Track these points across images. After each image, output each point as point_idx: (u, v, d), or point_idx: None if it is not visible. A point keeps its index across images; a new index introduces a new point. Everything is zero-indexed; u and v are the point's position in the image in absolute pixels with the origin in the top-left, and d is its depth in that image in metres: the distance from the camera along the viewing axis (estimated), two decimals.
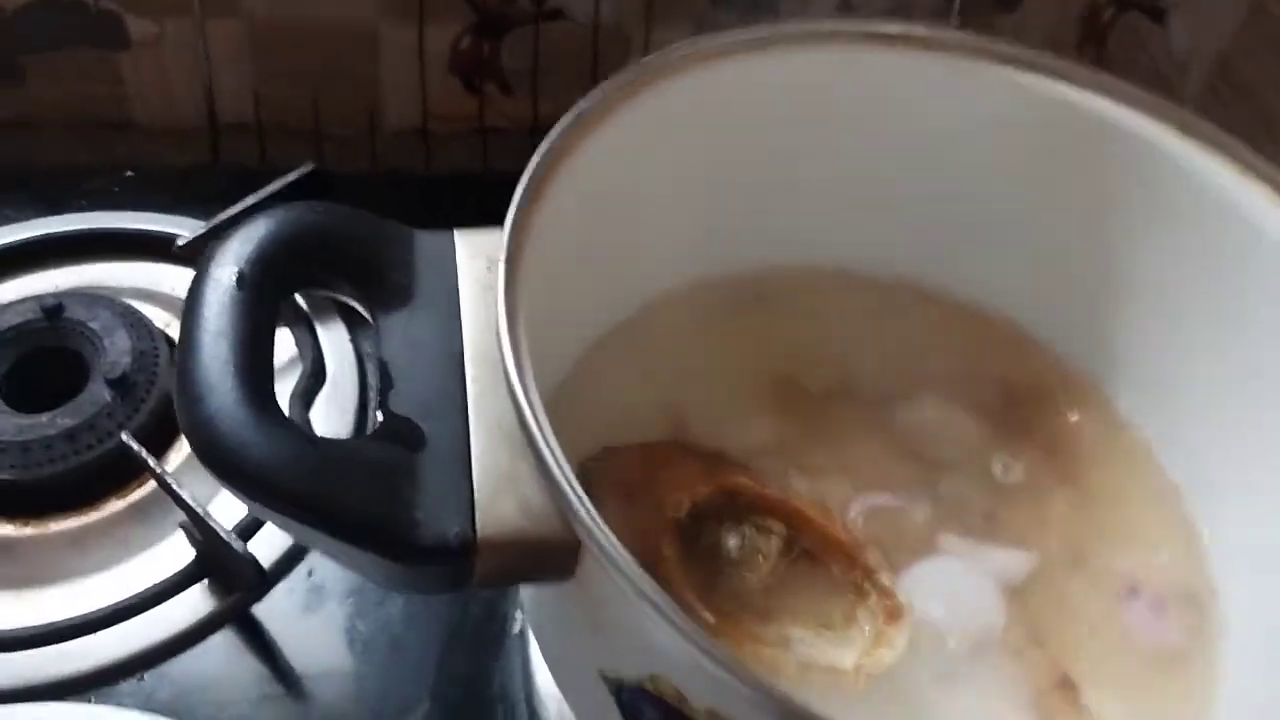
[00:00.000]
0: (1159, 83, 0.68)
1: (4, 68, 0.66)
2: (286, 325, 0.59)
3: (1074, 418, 0.45)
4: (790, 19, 0.67)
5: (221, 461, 0.29)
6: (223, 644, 0.49)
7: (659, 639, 0.29)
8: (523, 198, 0.33)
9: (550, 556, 0.31)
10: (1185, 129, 0.40)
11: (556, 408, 0.43)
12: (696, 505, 0.42)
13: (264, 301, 0.31)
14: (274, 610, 0.50)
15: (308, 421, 0.52)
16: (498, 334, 0.30)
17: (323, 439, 0.30)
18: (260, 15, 0.66)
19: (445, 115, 0.72)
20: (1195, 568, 0.41)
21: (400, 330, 0.33)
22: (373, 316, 0.33)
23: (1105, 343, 0.44)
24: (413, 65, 0.69)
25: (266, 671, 0.48)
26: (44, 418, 0.52)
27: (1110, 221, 0.42)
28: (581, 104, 0.36)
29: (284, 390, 0.56)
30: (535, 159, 0.34)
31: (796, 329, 0.48)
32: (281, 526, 0.30)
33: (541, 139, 0.35)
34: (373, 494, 0.29)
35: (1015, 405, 0.45)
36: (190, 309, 0.30)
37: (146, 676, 0.48)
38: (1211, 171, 0.39)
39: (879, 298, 0.48)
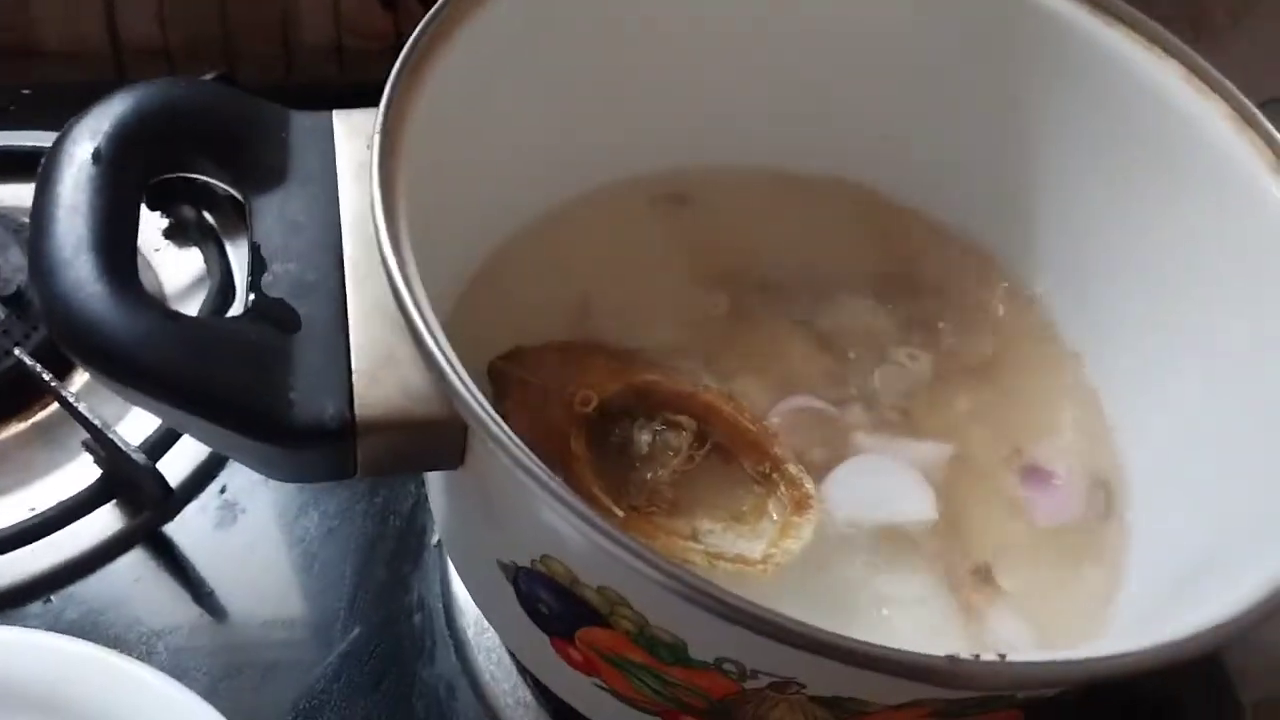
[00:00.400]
0: None
1: None
2: (195, 244, 0.57)
3: (985, 307, 0.44)
4: None
5: (78, 339, 0.27)
6: (132, 564, 0.48)
7: (544, 515, 0.28)
8: (402, 66, 0.31)
9: (436, 439, 0.30)
10: (1094, 5, 0.39)
11: (466, 305, 0.42)
12: (607, 402, 0.41)
13: (123, 179, 0.29)
14: (186, 528, 0.49)
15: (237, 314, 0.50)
16: (372, 209, 0.29)
17: (187, 316, 0.29)
18: None
19: (362, 33, 0.70)
20: (1102, 450, 0.41)
21: (274, 212, 0.31)
22: (245, 198, 0.31)
23: (1019, 230, 0.44)
24: None
25: (179, 589, 0.48)
26: None
27: (1025, 107, 0.42)
28: None
29: (193, 309, 0.54)
30: (419, 29, 0.33)
31: (713, 229, 0.48)
32: (149, 409, 0.29)
33: None
34: (242, 372, 0.28)
35: (928, 297, 0.45)
36: (43, 186, 0.29)
37: (54, 598, 0.47)
38: (1119, 46, 0.38)
39: (794, 194, 0.47)
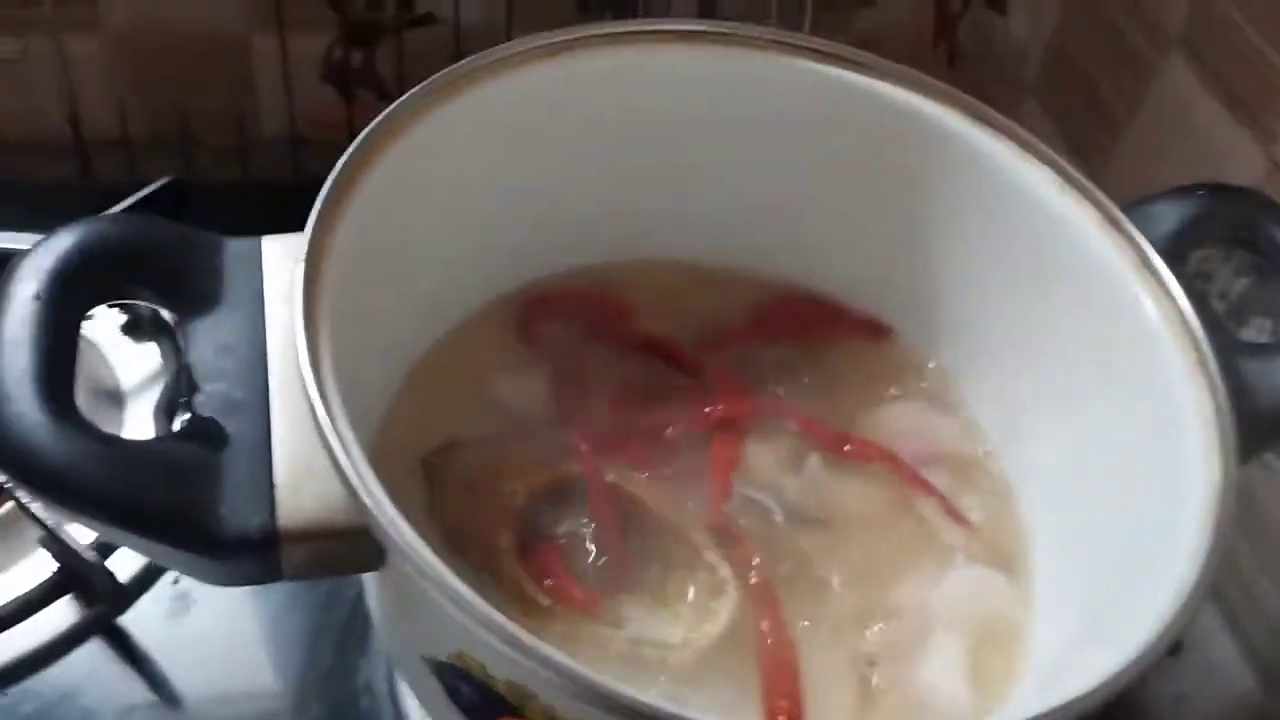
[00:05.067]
0: (1003, 71, 0.71)
1: None
2: (151, 339, 0.59)
3: (892, 390, 0.47)
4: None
5: (20, 468, 0.30)
6: (88, 656, 0.49)
7: (451, 617, 0.30)
8: (326, 195, 0.34)
9: (355, 545, 0.32)
10: (974, 116, 0.42)
11: (402, 403, 0.45)
12: (534, 494, 0.43)
13: (64, 313, 0.32)
14: (141, 619, 0.50)
15: (170, 433, 0.52)
16: (294, 331, 0.31)
17: (122, 440, 0.31)
18: (121, 28, 0.66)
19: (318, 122, 0.72)
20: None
21: (206, 334, 0.34)
22: (179, 322, 0.34)
23: (922, 314, 0.47)
24: (285, 74, 0.70)
25: (134, 679, 0.49)
26: None
27: (910, 197, 0.45)
28: (391, 108, 0.38)
29: (149, 401, 0.57)
30: (341, 160, 0.35)
31: (648, 323, 0.50)
32: (91, 527, 0.31)
33: None
34: (172, 490, 0.30)
35: (828, 376, 0.48)
36: None
37: (10, 692, 0.48)
38: (998, 154, 0.42)
39: (702, 285, 0.50)
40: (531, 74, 0.40)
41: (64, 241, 0.33)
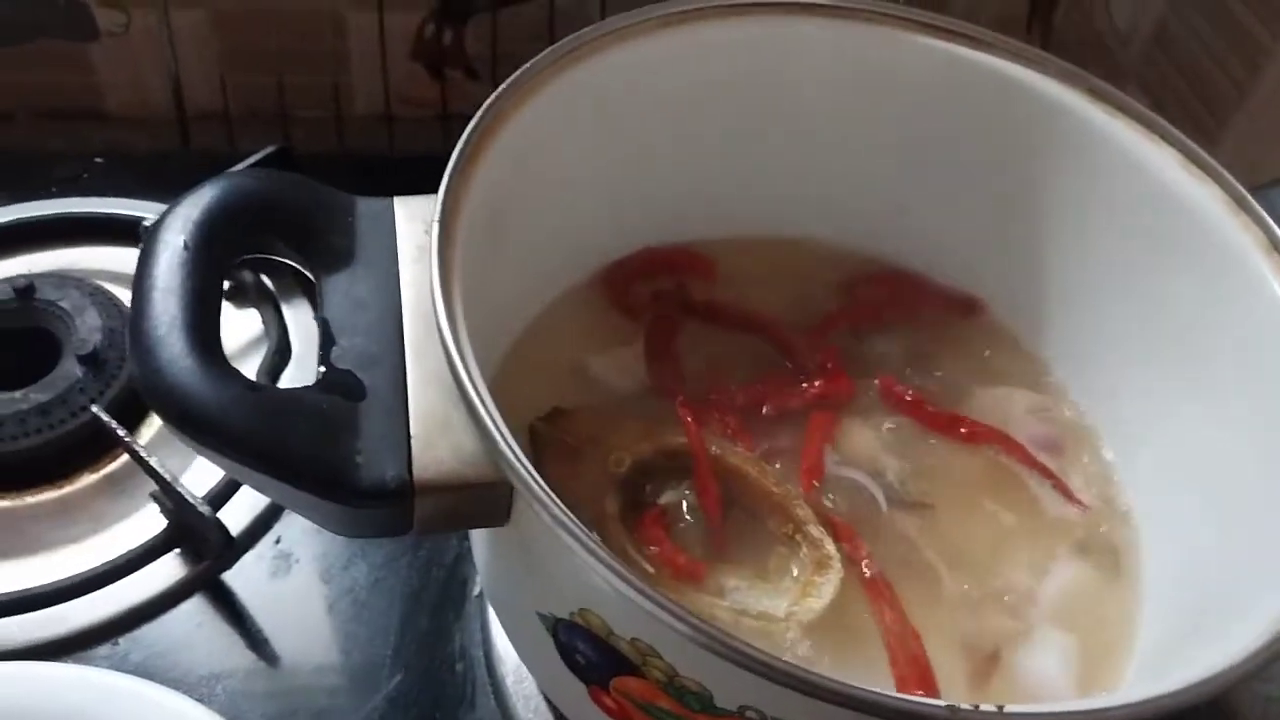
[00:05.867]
0: (1103, 54, 0.70)
1: None
2: (253, 305, 0.61)
3: (993, 372, 0.47)
4: None
5: (171, 408, 0.31)
6: (194, 610, 0.51)
7: (582, 572, 0.31)
8: (458, 159, 0.35)
9: (484, 499, 0.33)
10: (1093, 94, 0.42)
11: (510, 368, 0.45)
12: (638, 463, 0.44)
13: (210, 262, 0.33)
14: (243, 577, 0.52)
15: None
16: (431, 289, 0.32)
17: (266, 387, 0.32)
18: (223, 3, 0.67)
19: (411, 100, 0.73)
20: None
21: (342, 290, 0.34)
22: (315, 277, 0.35)
23: (1026, 299, 0.46)
24: (380, 51, 0.71)
25: (236, 635, 0.50)
26: (17, 394, 0.53)
27: (1030, 186, 0.45)
28: (516, 75, 0.38)
29: (250, 368, 0.58)
30: (471, 125, 0.36)
31: (742, 297, 0.50)
32: (231, 471, 0.32)
33: None
34: (314, 438, 0.31)
35: (926, 356, 0.47)
36: (141, 270, 0.32)
37: (120, 641, 0.49)
38: (1117, 132, 0.41)
39: (800, 260, 0.50)
40: (650, 44, 0.41)
41: (209, 194, 0.34)
